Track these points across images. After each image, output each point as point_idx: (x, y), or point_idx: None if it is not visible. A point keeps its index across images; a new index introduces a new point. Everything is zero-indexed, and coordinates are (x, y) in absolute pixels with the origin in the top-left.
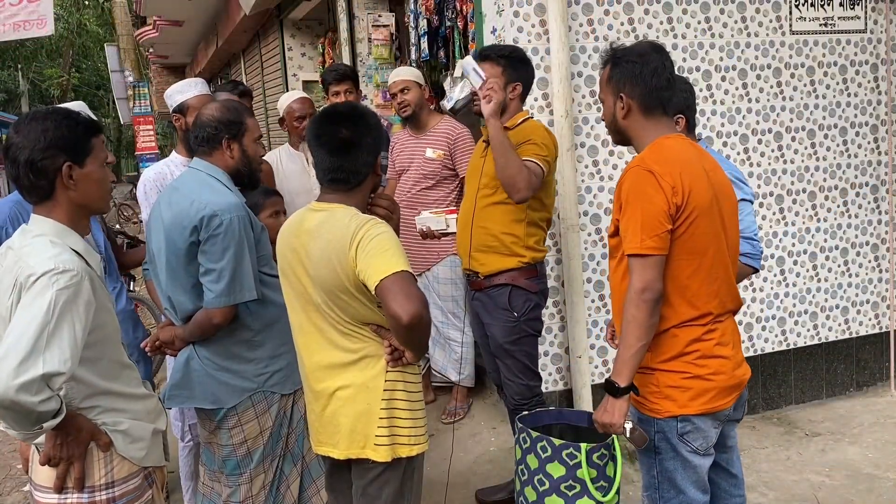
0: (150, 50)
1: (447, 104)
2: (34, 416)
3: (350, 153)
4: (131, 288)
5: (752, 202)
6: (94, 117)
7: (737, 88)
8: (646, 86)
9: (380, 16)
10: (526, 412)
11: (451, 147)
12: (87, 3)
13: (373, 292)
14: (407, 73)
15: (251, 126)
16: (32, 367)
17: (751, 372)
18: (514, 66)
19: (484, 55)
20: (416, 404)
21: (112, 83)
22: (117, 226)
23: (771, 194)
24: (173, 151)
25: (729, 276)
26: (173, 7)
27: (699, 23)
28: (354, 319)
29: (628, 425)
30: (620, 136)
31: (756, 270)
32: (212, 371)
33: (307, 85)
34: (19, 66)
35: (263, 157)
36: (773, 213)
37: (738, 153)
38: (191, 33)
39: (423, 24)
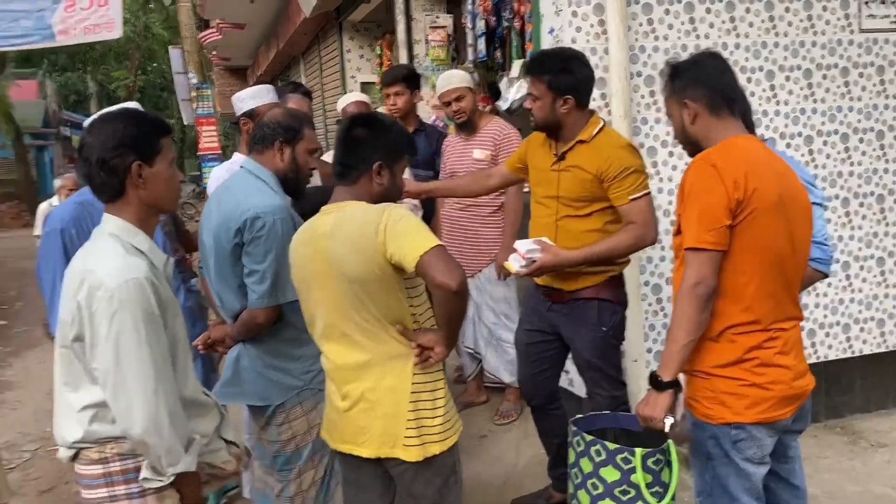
0: (213, 52)
1: (503, 104)
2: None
3: (351, 147)
4: (192, 284)
5: (822, 206)
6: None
7: (801, 89)
8: (708, 85)
9: (437, 17)
10: (580, 415)
11: (497, 147)
12: (153, 6)
13: (412, 269)
14: (459, 80)
15: (308, 136)
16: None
17: (814, 383)
18: (559, 78)
19: (528, 71)
20: (443, 401)
21: (176, 85)
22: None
23: (837, 197)
24: (236, 152)
25: (792, 282)
26: (236, 10)
27: (762, 21)
28: (383, 316)
29: (669, 420)
30: (693, 146)
31: (825, 276)
32: (260, 369)
33: (365, 86)
34: (88, 68)
35: (322, 158)
36: (839, 217)
37: (803, 155)
38: (252, 36)
39: (480, 24)
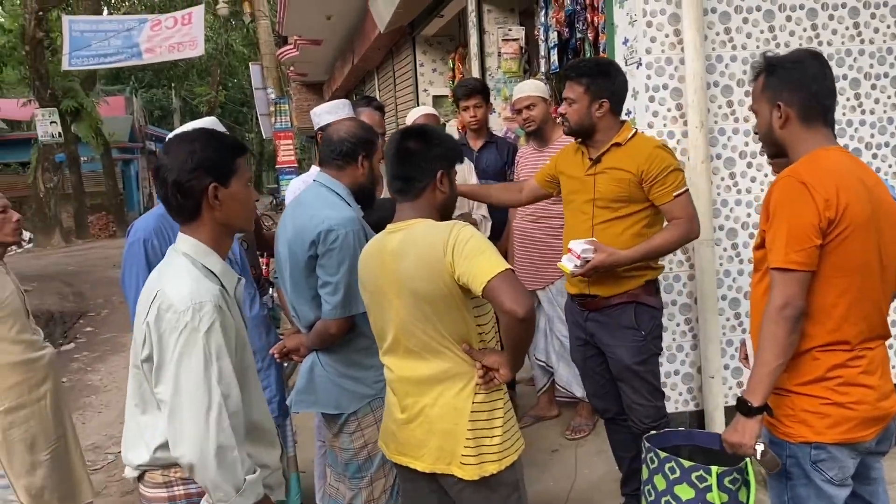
0: (291, 68)
1: None
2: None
3: (410, 161)
4: (270, 293)
5: None
6: (225, 130)
7: (889, 97)
8: (806, 92)
9: (510, 30)
10: (654, 432)
11: None
12: (233, 24)
13: (479, 293)
14: (532, 89)
15: (380, 146)
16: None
17: None
18: (597, 82)
19: (564, 75)
20: (502, 420)
21: (255, 100)
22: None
23: None
24: (313, 165)
25: (881, 300)
26: (313, 27)
27: (847, 28)
28: (448, 334)
29: (759, 447)
30: (776, 149)
31: None
32: (334, 377)
33: (437, 100)
34: (172, 84)
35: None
36: None
37: (890, 165)
38: (328, 52)
39: (553, 36)
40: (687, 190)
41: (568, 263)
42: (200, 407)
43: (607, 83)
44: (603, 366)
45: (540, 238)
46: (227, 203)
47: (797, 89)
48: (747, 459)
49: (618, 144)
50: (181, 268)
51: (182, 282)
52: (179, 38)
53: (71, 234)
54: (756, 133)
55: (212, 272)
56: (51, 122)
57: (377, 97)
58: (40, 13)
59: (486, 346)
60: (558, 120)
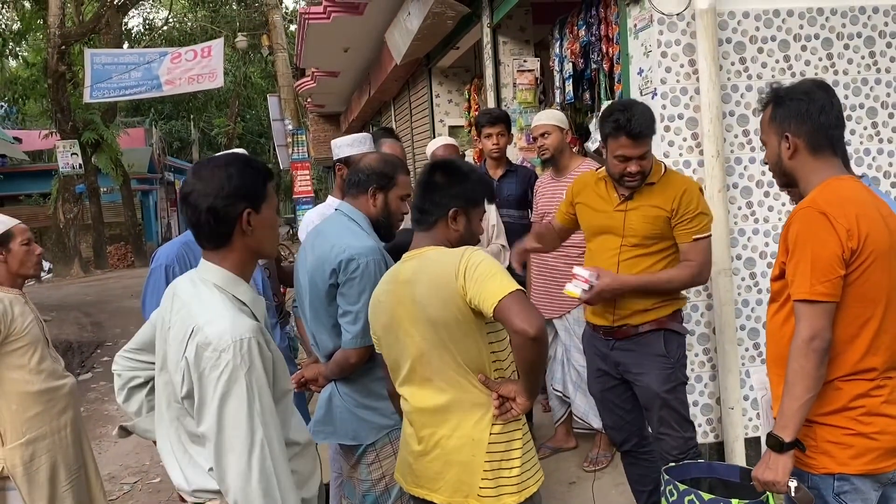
0: (308, 99)
1: (591, 145)
2: None
3: (429, 193)
4: (290, 324)
5: None
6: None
7: None
8: (814, 123)
9: (525, 61)
10: (673, 463)
11: None
12: (252, 57)
13: (490, 314)
14: (548, 118)
15: (401, 183)
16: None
17: None
18: (651, 137)
19: (632, 134)
20: (520, 451)
21: (273, 131)
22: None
23: None
24: (329, 195)
25: None
26: (331, 59)
27: (863, 58)
28: (464, 363)
29: (793, 484)
30: (786, 178)
31: None
32: (352, 408)
33: (453, 130)
34: (191, 116)
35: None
36: None
37: None
38: (346, 83)
39: (567, 67)
40: (709, 236)
41: (575, 289)
42: (244, 446)
43: (653, 132)
44: (622, 397)
45: (557, 266)
46: (259, 228)
47: (804, 120)
48: (768, 492)
49: (651, 183)
50: (215, 302)
51: (219, 317)
52: (199, 70)
53: (90, 264)
54: (766, 163)
55: (243, 303)
56: (72, 154)
57: (394, 127)
58: (63, 47)
59: (503, 376)
60: (574, 149)
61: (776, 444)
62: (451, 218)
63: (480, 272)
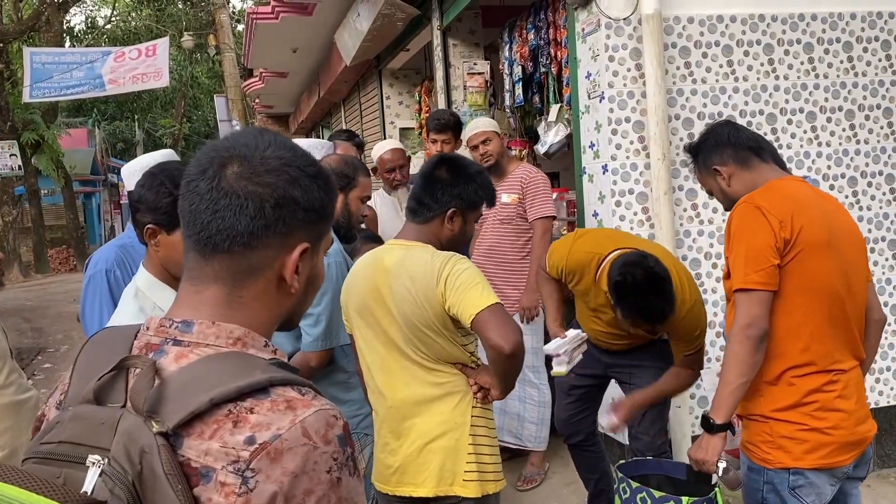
0: (256, 100)
1: (541, 148)
2: None
3: (430, 187)
4: None
5: None
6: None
7: (843, 130)
8: (730, 146)
9: (475, 64)
10: (623, 460)
11: (524, 190)
12: (198, 57)
13: (468, 325)
14: (486, 125)
15: (361, 184)
16: None
17: (876, 428)
18: None
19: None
20: (495, 440)
21: (220, 132)
22: None
23: (883, 239)
24: None
25: (850, 323)
26: (279, 60)
27: (802, 63)
28: (439, 357)
29: (721, 465)
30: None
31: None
32: None
33: (403, 132)
34: (136, 116)
35: (368, 203)
36: (886, 259)
37: (847, 196)
38: (294, 84)
39: (517, 70)
40: (701, 350)
41: (560, 367)
42: None
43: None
44: (588, 394)
45: (496, 273)
46: (164, 247)
47: (721, 148)
48: (717, 489)
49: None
50: None
51: None
52: (144, 69)
53: (30, 268)
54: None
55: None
56: (10, 155)
57: (344, 129)
58: (0, 45)
59: (481, 365)
60: (524, 152)
61: (708, 426)
62: (448, 217)
63: (462, 281)
